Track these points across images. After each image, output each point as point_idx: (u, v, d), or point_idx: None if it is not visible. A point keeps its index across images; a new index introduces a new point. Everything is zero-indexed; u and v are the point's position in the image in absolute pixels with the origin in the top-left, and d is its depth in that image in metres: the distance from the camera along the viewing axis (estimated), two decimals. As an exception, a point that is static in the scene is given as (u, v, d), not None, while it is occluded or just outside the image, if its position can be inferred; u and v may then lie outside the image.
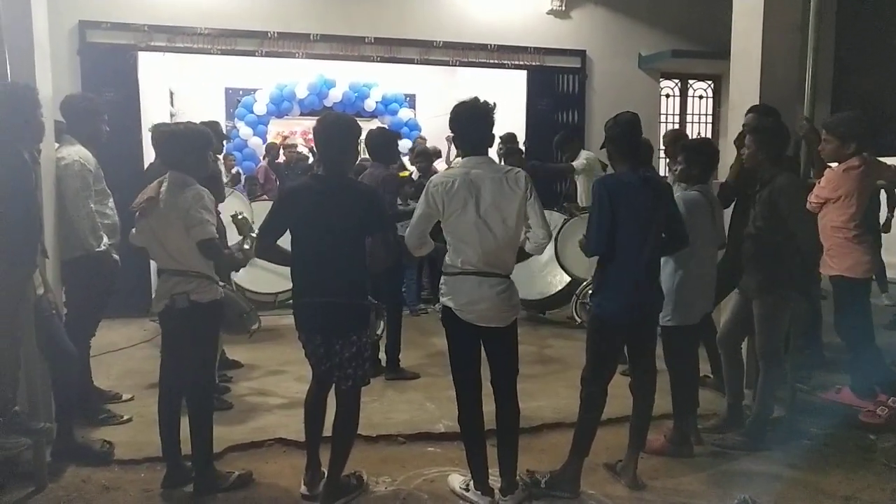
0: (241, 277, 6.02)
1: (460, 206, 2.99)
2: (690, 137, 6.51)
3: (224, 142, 6.22)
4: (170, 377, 3.26)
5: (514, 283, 3.10)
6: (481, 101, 3.12)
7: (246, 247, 3.54)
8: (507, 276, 3.06)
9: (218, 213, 3.29)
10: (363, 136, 3.94)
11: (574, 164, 6.41)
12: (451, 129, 3.15)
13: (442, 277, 3.13)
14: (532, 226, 3.06)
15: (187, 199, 3.06)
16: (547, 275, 6.20)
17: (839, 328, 4.14)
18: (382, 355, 4.79)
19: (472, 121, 3.09)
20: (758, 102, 4.37)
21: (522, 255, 3.17)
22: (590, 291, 4.10)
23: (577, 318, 5.99)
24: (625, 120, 3.26)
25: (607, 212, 3.11)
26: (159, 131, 3.30)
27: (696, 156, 3.71)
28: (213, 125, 5.39)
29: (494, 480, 3.16)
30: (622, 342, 3.30)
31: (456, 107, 3.12)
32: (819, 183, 3.98)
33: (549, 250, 5.37)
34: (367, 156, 5.02)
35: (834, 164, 4.06)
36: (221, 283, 3.32)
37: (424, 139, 9.81)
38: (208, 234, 3.06)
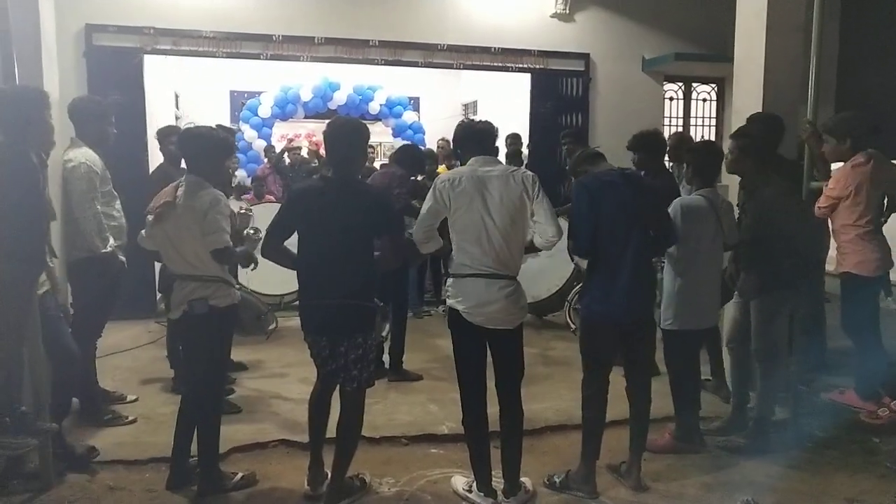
0: (247, 278, 6.02)
1: (466, 202, 3.01)
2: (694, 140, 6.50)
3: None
4: (191, 381, 3.28)
5: (521, 285, 3.11)
6: (484, 120, 3.29)
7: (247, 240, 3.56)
8: (514, 278, 3.07)
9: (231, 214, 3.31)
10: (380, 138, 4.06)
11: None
12: (455, 147, 3.30)
13: (448, 279, 3.15)
14: (541, 222, 3.06)
15: (205, 203, 3.06)
16: (542, 278, 6.19)
17: (846, 326, 4.14)
18: (386, 357, 4.79)
19: (474, 136, 3.21)
20: (761, 105, 4.38)
21: (530, 249, 3.19)
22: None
23: (570, 324, 5.96)
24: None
25: (587, 211, 3.12)
26: (186, 132, 3.32)
27: (700, 158, 3.72)
28: (230, 132, 5.43)
29: (497, 482, 3.17)
30: (614, 343, 3.28)
31: (458, 127, 3.30)
32: (827, 185, 3.99)
33: (546, 254, 5.38)
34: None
35: (837, 165, 4.08)
36: (237, 286, 3.33)
37: (447, 141, 9.79)
38: (222, 243, 3.06)
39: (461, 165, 3.22)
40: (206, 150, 3.20)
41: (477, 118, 3.33)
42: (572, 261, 5.80)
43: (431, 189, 3.12)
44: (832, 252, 4.61)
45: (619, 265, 3.12)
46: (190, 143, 3.24)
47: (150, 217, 3.20)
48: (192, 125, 3.48)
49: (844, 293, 4.10)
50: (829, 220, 4.10)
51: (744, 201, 3.77)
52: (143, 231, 3.32)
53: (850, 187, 3.87)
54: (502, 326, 3.06)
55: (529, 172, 3.10)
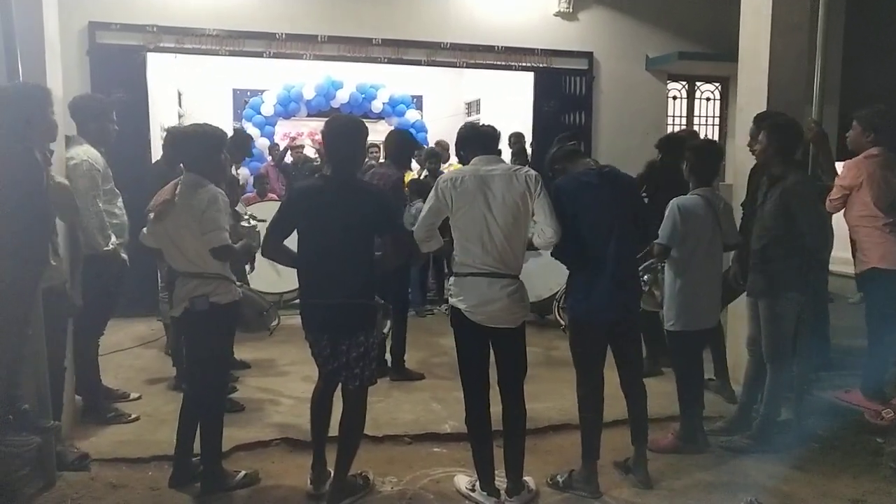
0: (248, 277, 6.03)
1: (469, 201, 3.01)
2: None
3: (247, 156, 6.26)
4: (193, 378, 3.28)
5: (524, 284, 3.10)
6: (487, 124, 3.34)
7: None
8: (516, 277, 3.06)
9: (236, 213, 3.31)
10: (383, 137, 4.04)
11: None
12: (458, 148, 3.31)
13: (451, 278, 3.15)
14: (540, 223, 3.07)
15: (203, 201, 3.06)
16: (543, 278, 6.16)
17: (870, 321, 4.13)
18: (388, 356, 4.79)
19: (478, 137, 3.22)
20: (765, 105, 4.37)
21: (530, 246, 3.19)
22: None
23: (560, 321, 5.96)
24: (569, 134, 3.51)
25: (568, 213, 3.12)
26: (174, 132, 3.32)
27: (698, 157, 3.71)
28: (243, 137, 5.51)
29: (500, 481, 3.17)
30: (604, 341, 3.28)
31: (461, 128, 3.32)
32: (837, 179, 3.99)
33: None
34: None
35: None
36: (239, 283, 3.33)
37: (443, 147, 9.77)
38: (221, 241, 3.05)
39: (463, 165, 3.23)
40: (199, 148, 3.20)
41: (479, 118, 3.35)
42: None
43: (434, 188, 3.12)
44: (837, 253, 4.59)
45: (601, 264, 3.12)
46: (181, 143, 3.24)
47: (151, 215, 3.20)
48: (178, 125, 3.49)
49: (870, 290, 4.08)
50: (844, 217, 4.08)
51: (767, 191, 3.70)
52: (144, 229, 3.32)
53: (861, 177, 3.88)
54: (504, 325, 3.05)
55: (532, 171, 3.10)
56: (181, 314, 3.15)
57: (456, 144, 3.37)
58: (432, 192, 3.11)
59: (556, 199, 3.17)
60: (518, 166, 3.17)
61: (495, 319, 3.02)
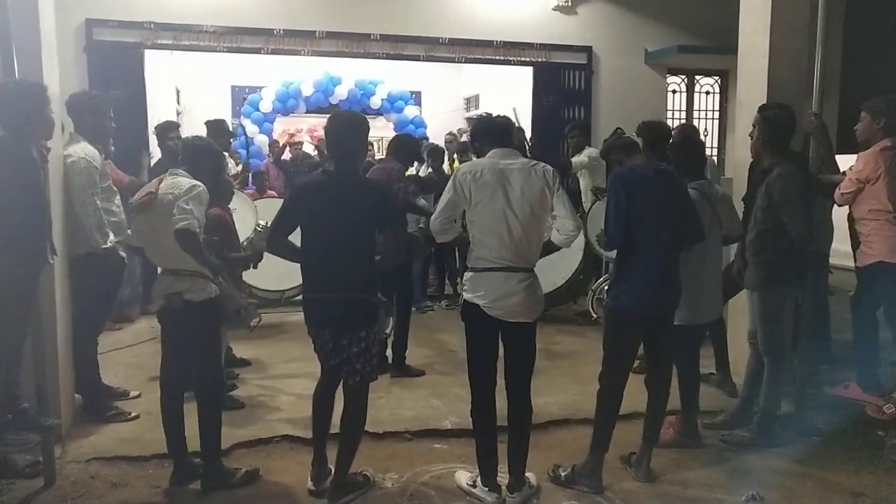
0: (249, 274, 6.02)
1: (489, 194, 2.99)
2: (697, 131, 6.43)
3: (231, 139, 6.25)
4: (170, 375, 3.27)
5: (538, 278, 3.09)
6: (503, 115, 3.35)
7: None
8: (531, 270, 3.06)
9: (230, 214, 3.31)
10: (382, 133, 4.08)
11: (574, 160, 6.50)
12: (472, 140, 3.33)
13: (466, 273, 3.13)
14: (560, 217, 3.06)
15: (182, 189, 3.07)
16: (547, 272, 6.14)
17: (857, 315, 4.12)
18: (389, 352, 4.78)
19: (494, 130, 3.21)
20: (765, 98, 4.35)
21: (550, 249, 3.18)
22: (606, 287, 4.06)
23: (593, 313, 5.95)
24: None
25: (623, 204, 3.11)
26: (187, 142, 3.38)
27: (682, 152, 3.69)
28: (219, 123, 5.47)
29: (500, 477, 3.16)
30: (639, 336, 3.28)
31: (476, 121, 3.32)
32: (850, 170, 3.96)
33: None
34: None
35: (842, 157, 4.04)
36: (218, 280, 3.31)
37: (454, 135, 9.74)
38: (187, 225, 3.00)
39: (477, 158, 3.22)
40: (207, 166, 3.28)
41: (478, 113, 3.33)
42: (597, 247, 5.77)
43: (451, 180, 3.09)
44: (837, 246, 4.57)
45: (650, 259, 3.12)
46: (190, 154, 3.29)
47: (135, 209, 3.21)
48: (194, 137, 3.58)
49: (874, 283, 4.05)
50: (850, 209, 4.05)
51: (756, 185, 3.70)
52: (128, 230, 3.33)
53: (879, 170, 3.84)
54: (521, 319, 3.04)
55: (550, 167, 3.09)
56: (158, 311, 3.16)
57: (470, 136, 3.36)
58: (450, 185, 3.08)
59: (612, 188, 3.17)
60: (535, 161, 3.15)
61: (513, 314, 3.01)
